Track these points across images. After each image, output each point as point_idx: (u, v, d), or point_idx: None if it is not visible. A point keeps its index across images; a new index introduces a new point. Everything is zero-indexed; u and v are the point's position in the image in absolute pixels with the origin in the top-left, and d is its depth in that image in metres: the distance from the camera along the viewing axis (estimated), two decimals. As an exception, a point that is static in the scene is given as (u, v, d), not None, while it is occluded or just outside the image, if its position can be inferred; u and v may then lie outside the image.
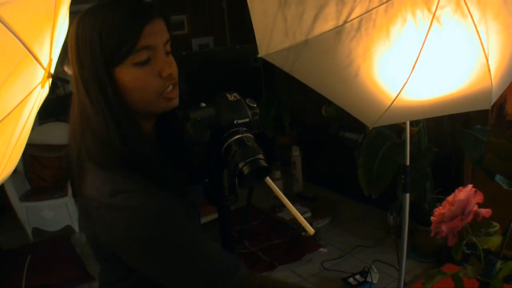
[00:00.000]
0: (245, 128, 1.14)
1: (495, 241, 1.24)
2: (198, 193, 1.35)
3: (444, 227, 1.24)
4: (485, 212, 1.23)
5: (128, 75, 1.07)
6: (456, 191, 1.26)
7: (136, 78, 1.08)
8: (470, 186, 1.25)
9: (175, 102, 1.16)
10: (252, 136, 1.14)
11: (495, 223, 1.26)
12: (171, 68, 1.11)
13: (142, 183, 1.08)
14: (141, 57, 1.06)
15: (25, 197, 4.50)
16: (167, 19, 1.13)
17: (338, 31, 1.76)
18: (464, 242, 1.26)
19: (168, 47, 1.13)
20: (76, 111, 1.14)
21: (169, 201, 1.11)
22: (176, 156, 1.24)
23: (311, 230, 1.37)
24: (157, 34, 1.08)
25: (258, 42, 1.91)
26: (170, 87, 1.12)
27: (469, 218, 1.21)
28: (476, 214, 1.23)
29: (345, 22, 1.73)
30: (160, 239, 1.07)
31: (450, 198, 1.28)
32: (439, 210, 1.29)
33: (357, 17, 1.72)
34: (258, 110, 1.22)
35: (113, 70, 1.07)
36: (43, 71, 1.06)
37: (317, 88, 2.04)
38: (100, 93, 1.08)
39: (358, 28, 1.75)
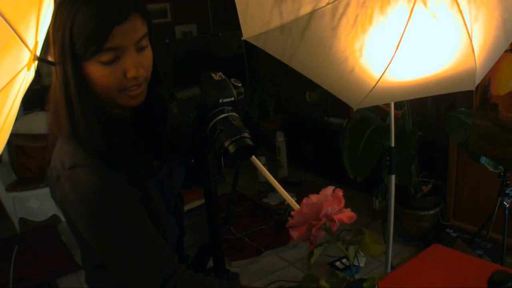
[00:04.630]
0: (230, 107, 1.14)
1: (379, 249, 1.10)
2: (175, 179, 1.35)
3: (294, 234, 1.10)
4: (346, 217, 1.07)
5: (94, 71, 1.08)
6: (321, 192, 1.08)
7: (101, 75, 1.09)
8: (331, 188, 1.08)
9: (139, 99, 1.16)
10: (237, 115, 1.14)
11: (364, 230, 1.11)
12: (138, 70, 1.10)
13: (100, 162, 1.11)
14: (107, 57, 1.06)
15: (11, 188, 4.46)
16: (144, 13, 1.11)
17: (334, 27, 1.77)
18: (322, 248, 1.09)
19: (144, 42, 1.12)
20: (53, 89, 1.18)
21: (121, 183, 1.13)
22: (158, 137, 1.25)
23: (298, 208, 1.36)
24: (128, 34, 1.07)
25: (252, 33, 1.89)
26: (135, 86, 1.12)
27: (318, 225, 1.06)
28: (331, 220, 1.07)
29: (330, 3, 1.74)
30: (103, 218, 1.10)
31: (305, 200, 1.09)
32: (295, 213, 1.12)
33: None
34: (243, 90, 1.21)
35: (81, 64, 1.08)
36: (29, 53, 1.04)
37: (301, 71, 2.03)
38: (64, 84, 1.10)
39: (354, 24, 1.76)
